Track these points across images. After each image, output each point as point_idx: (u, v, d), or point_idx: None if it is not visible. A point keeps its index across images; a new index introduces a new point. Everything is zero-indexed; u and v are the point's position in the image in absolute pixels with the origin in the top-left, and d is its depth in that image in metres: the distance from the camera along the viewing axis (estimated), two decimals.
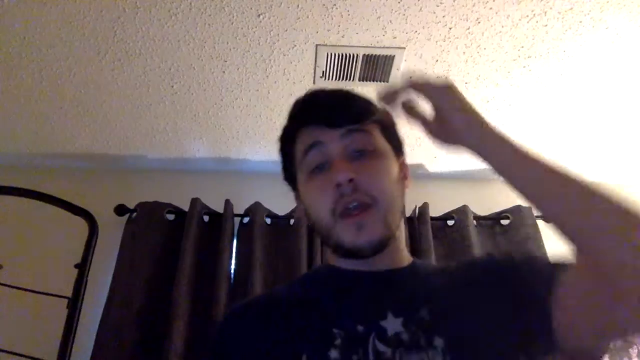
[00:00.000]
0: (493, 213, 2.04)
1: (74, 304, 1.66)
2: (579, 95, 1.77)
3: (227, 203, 1.94)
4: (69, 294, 1.67)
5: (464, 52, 1.58)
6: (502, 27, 1.49)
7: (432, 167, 2.19)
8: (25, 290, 1.66)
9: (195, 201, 1.93)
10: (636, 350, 1.66)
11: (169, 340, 1.63)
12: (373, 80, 1.69)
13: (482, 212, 2.05)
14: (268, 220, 1.97)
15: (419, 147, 1.93)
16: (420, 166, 2.18)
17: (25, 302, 1.76)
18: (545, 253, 1.85)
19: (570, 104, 1.81)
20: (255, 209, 1.94)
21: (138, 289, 1.75)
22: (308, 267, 1.81)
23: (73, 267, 1.75)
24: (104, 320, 1.71)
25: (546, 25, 1.48)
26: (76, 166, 2.18)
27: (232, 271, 1.84)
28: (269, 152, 2.10)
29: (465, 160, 2.10)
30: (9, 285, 1.63)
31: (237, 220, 1.96)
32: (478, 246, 1.91)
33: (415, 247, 1.90)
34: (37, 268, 1.89)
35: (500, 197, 2.09)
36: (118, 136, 1.99)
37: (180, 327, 1.67)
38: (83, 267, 1.71)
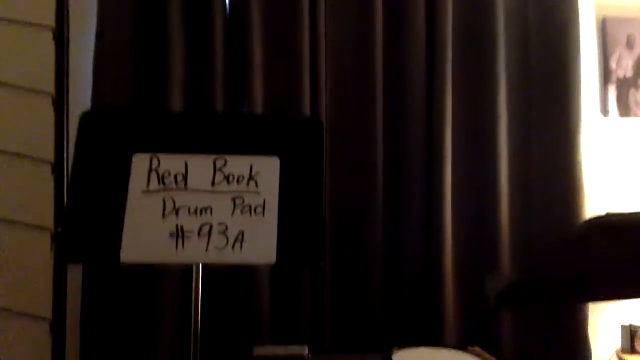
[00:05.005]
0: None
1: (60, 36, 1.55)
2: None
3: None
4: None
5: None
6: None
7: None
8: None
9: None
10: None
11: (167, 71, 1.58)
12: None
13: None
14: None
15: None
16: None
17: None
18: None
19: None
20: None
21: (127, 22, 1.62)
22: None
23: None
24: (98, 58, 1.61)
25: None
26: None
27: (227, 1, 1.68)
28: None
29: None
30: None
31: None
32: None
33: None
34: None
35: None
36: None
37: (177, 55, 1.59)
38: None
